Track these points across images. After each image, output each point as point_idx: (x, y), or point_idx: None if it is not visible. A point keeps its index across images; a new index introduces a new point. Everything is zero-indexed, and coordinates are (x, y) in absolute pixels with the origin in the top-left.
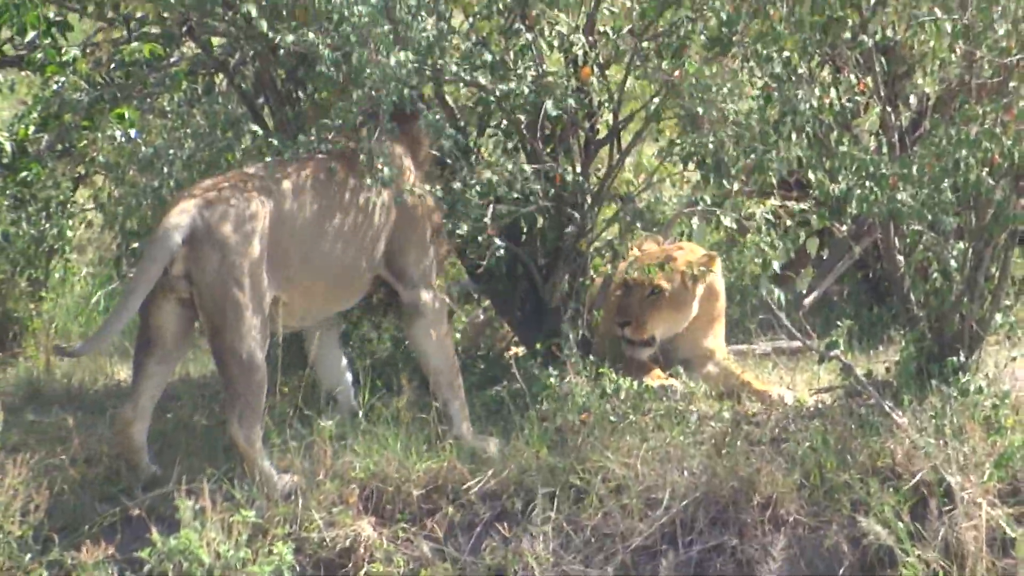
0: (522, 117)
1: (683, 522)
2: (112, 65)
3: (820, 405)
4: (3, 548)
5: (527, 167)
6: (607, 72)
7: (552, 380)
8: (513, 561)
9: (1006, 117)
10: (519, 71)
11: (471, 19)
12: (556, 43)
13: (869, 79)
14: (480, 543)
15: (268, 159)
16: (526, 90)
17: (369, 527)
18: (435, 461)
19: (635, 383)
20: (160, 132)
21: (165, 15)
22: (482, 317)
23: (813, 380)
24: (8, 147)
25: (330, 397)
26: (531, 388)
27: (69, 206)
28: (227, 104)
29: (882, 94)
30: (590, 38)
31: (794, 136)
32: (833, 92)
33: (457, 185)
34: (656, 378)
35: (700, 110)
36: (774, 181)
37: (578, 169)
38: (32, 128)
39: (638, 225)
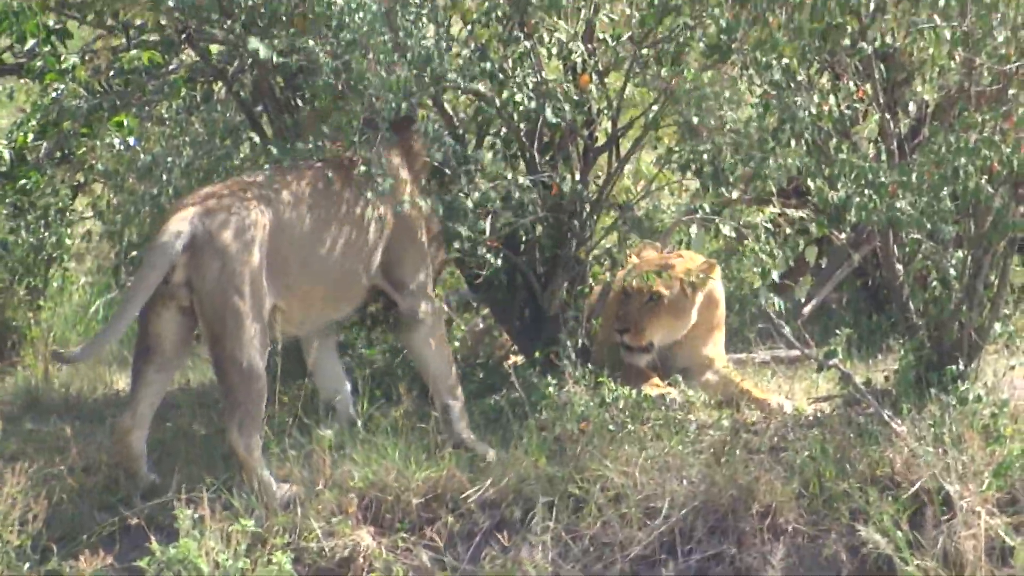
0: (521, 125)
1: (682, 531)
2: (111, 73)
3: (819, 414)
4: (2, 557)
5: (524, 179)
6: (606, 79)
7: (551, 389)
8: (512, 570)
9: (1005, 125)
10: (518, 79)
11: (470, 26)
12: (555, 50)
13: (868, 86)
14: (479, 552)
15: (266, 166)
16: (525, 98)
17: (368, 536)
18: (434, 470)
19: (634, 392)
20: (159, 140)
21: (164, 23)
22: (481, 326)
23: (812, 389)
24: (7, 155)
25: (329, 406)
26: (530, 397)
27: (68, 214)
28: (226, 112)
29: (881, 101)
30: (589, 45)
31: (793, 143)
32: (832, 99)
33: (453, 196)
34: (654, 387)
35: (696, 118)
36: (773, 189)
37: (577, 177)
38: (31, 136)
39: (633, 235)
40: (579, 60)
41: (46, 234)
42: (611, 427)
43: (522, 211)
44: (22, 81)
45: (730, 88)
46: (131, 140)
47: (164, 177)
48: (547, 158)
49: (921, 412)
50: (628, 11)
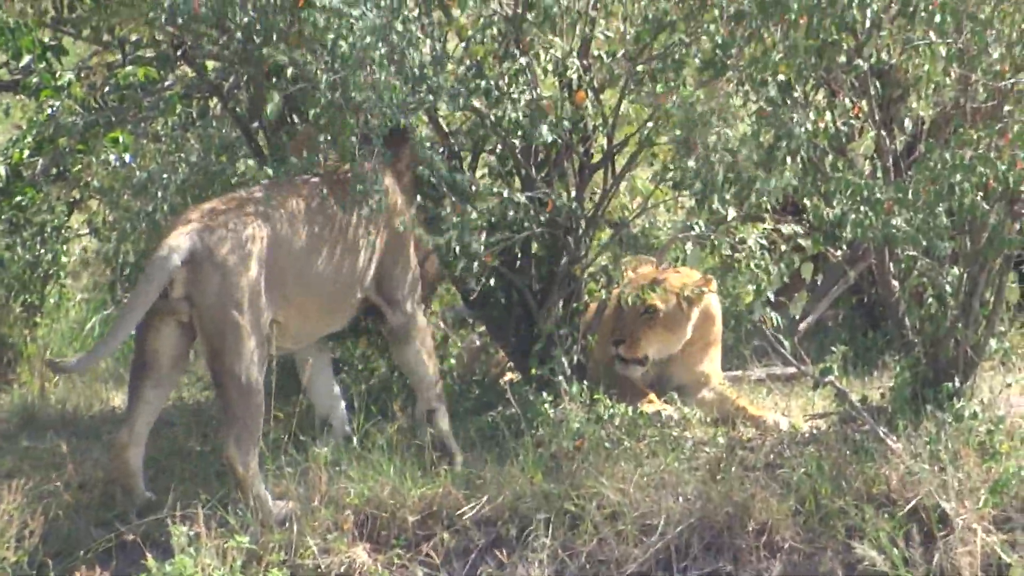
0: (516, 141)
1: (678, 548)
2: (107, 89)
3: (815, 431)
4: None
5: (519, 196)
6: (602, 96)
7: (547, 406)
8: None
9: (1001, 141)
10: (514, 95)
11: (465, 43)
12: (551, 67)
13: (864, 103)
14: (475, 569)
15: (263, 181)
16: (520, 115)
17: (364, 553)
18: (430, 487)
19: (630, 409)
20: (154, 156)
21: (160, 38)
22: (477, 343)
23: (808, 406)
24: (3, 171)
25: (324, 423)
26: (526, 414)
27: (64, 231)
28: (221, 128)
29: (877, 118)
30: (585, 62)
31: (788, 160)
32: (828, 116)
33: (447, 215)
34: (650, 404)
35: (688, 135)
36: (768, 206)
37: (573, 193)
38: (27, 152)
39: (628, 253)
40: (575, 77)
41: (42, 251)
42: (607, 444)
43: (518, 228)
44: (18, 97)
45: (724, 105)
46: (127, 157)
47: (160, 194)
48: (543, 175)
49: (917, 429)
50: (623, 28)
